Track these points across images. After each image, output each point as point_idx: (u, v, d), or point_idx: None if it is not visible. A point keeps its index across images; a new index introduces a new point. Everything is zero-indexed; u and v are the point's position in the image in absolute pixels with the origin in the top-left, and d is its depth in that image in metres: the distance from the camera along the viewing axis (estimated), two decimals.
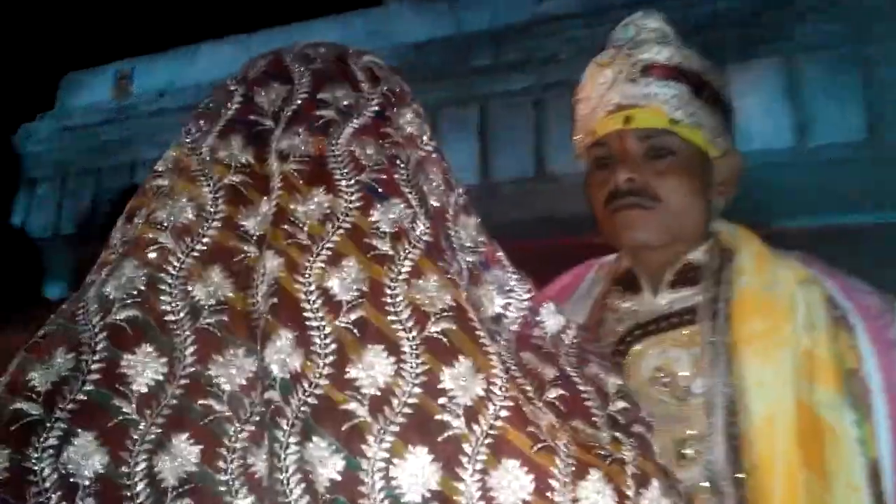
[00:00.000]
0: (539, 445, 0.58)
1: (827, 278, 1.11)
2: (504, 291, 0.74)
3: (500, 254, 0.78)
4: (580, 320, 1.23)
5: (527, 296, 0.75)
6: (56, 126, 3.75)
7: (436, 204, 0.73)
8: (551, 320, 0.76)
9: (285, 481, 0.55)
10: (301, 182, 0.67)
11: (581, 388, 0.70)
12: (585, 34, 2.54)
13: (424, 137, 0.77)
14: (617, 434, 0.67)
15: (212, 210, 0.68)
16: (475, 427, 0.57)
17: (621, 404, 0.72)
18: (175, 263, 0.65)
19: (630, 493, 0.60)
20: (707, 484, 1.03)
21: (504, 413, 0.58)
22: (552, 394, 0.67)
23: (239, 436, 0.59)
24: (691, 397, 1.07)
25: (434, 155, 0.77)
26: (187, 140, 0.74)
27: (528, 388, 0.65)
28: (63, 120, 3.85)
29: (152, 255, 0.65)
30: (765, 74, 2.11)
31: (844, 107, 2.06)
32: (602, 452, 0.62)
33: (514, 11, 2.88)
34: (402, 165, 0.71)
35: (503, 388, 0.59)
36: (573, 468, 0.58)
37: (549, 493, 0.56)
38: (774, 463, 0.99)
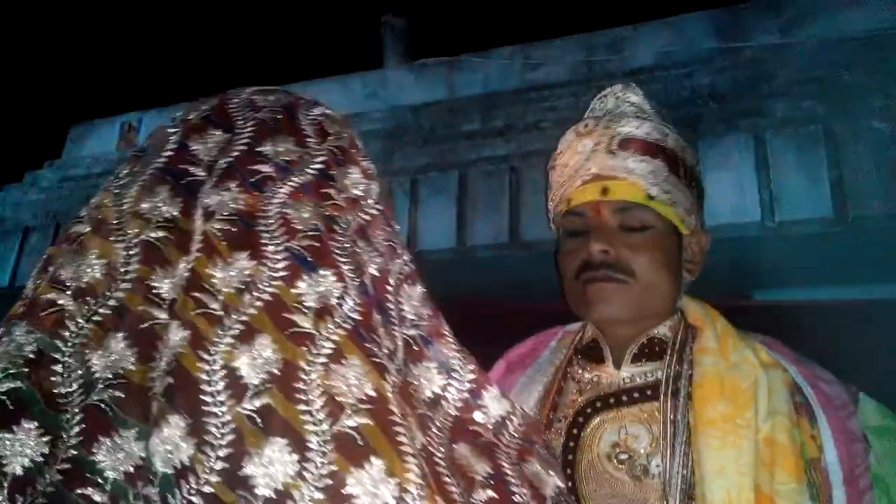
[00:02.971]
0: None
1: (791, 364, 1.05)
2: (445, 371, 0.64)
3: (445, 329, 0.68)
4: (538, 389, 1.14)
5: (469, 376, 0.66)
6: (59, 175, 3.68)
7: (375, 273, 0.64)
8: (494, 406, 0.66)
9: None
10: (224, 243, 0.57)
11: (515, 489, 0.59)
12: (568, 103, 2.49)
13: (370, 200, 0.68)
14: None
15: (122, 270, 0.58)
16: None
17: None
18: (73, 329, 0.55)
19: None
20: None
21: None
22: (481, 496, 0.57)
23: None
24: (648, 476, 0.99)
25: (380, 219, 0.68)
26: (113, 186, 0.65)
27: (454, 489, 0.55)
28: (66, 169, 3.77)
29: (48, 319, 0.56)
30: (736, 150, 2.06)
31: (812, 183, 2.00)
32: None
33: (505, 78, 2.84)
34: (339, 231, 0.62)
35: (417, 497, 0.49)
36: None
37: None
38: None
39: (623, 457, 1.01)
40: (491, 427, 0.64)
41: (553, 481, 0.63)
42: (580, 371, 1.13)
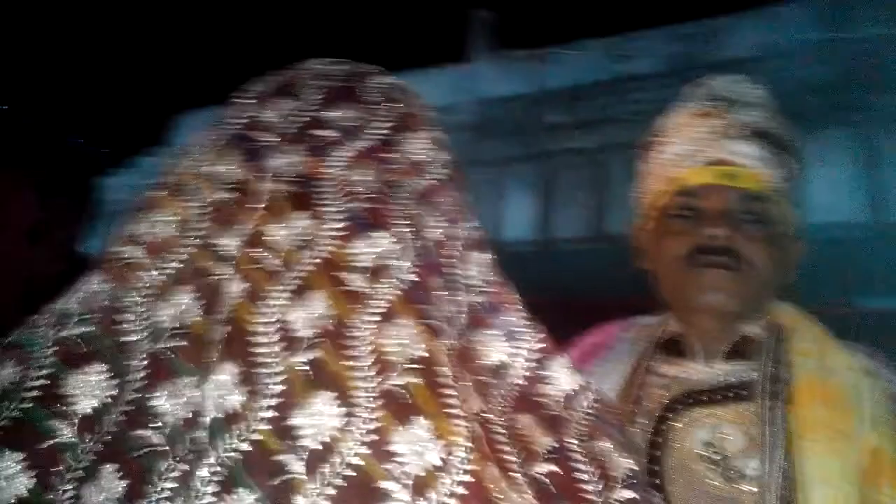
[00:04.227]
0: None
1: (890, 372, 1.00)
2: (511, 338, 0.63)
3: (513, 297, 0.67)
4: (615, 382, 1.11)
5: (538, 346, 0.64)
6: (160, 161, 3.90)
7: (439, 237, 0.64)
8: (565, 378, 0.63)
9: None
10: (286, 203, 0.59)
11: (580, 466, 0.57)
12: (658, 96, 2.42)
13: (436, 165, 0.68)
14: None
15: (193, 227, 0.61)
16: (422, 502, 0.47)
17: (627, 495, 0.59)
18: (144, 280, 0.58)
19: None
20: None
21: (460, 490, 0.47)
22: (542, 468, 0.55)
23: (170, 475, 0.50)
24: (742, 479, 0.95)
25: (447, 184, 0.68)
26: (190, 153, 0.68)
27: (512, 457, 0.54)
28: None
29: (122, 271, 0.59)
30: (840, 146, 1.94)
31: None
32: None
33: (593, 70, 2.79)
34: (400, 194, 0.62)
35: (465, 461, 0.48)
36: None
37: None
38: None
39: (716, 457, 0.97)
40: (560, 400, 0.61)
41: (626, 463, 0.60)
42: (665, 366, 1.10)
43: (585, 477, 0.57)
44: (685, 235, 1.06)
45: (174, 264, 0.59)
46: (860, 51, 2.16)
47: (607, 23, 3.13)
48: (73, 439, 0.51)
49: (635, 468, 0.61)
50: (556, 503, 0.54)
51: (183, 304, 0.57)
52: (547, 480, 0.55)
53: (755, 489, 0.94)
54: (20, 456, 0.50)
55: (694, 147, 1.09)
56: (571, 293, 2.29)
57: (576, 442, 0.59)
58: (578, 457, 0.58)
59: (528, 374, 0.62)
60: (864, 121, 1.95)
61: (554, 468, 0.56)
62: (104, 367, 0.54)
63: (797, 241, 1.12)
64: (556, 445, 0.58)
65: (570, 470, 0.57)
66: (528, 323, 0.65)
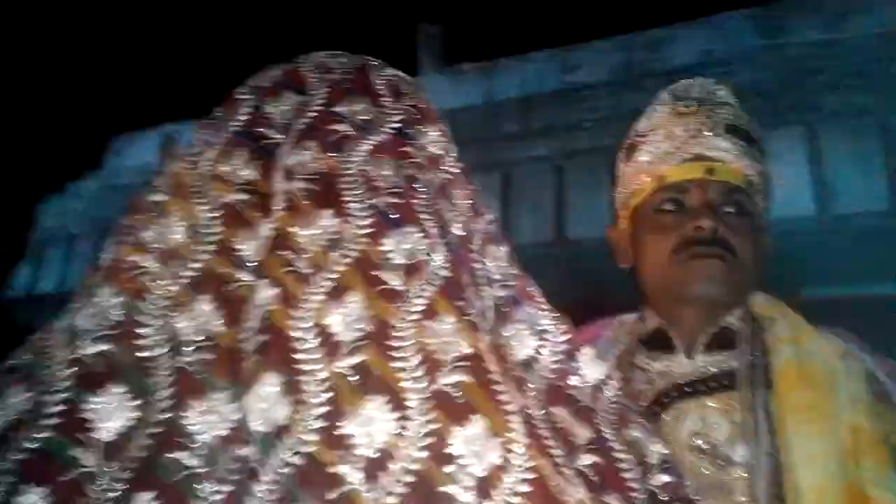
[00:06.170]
0: None
1: (865, 353, 1.03)
2: (537, 332, 0.62)
3: (533, 289, 0.65)
4: None
5: (563, 338, 0.63)
6: (101, 185, 3.74)
7: (460, 232, 0.62)
8: (590, 369, 0.63)
9: None
10: (307, 203, 0.56)
11: (619, 455, 0.56)
12: (609, 104, 2.47)
13: (450, 158, 0.67)
14: None
15: (206, 232, 0.56)
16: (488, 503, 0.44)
17: (664, 478, 0.58)
18: (159, 291, 0.54)
19: None
20: None
21: (523, 487, 0.46)
22: (585, 460, 0.54)
23: (212, 498, 0.46)
24: (731, 466, 0.97)
25: (460, 178, 0.66)
26: (189, 154, 0.64)
27: (558, 451, 0.52)
28: (109, 179, 3.83)
29: (133, 281, 0.54)
30: (788, 144, 2.01)
31: (867, 177, 1.94)
32: None
33: (543, 81, 2.83)
34: (421, 189, 0.60)
35: (524, 457, 0.47)
36: None
37: None
38: None
39: (706, 447, 0.98)
40: (588, 391, 0.60)
41: (657, 448, 0.59)
42: (648, 360, 1.10)
43: (626, 465, 0.56)
44: (672, 230, 1.08)
45: (189, 272, 0.55)
46: (797, 56, 2.25)
47: (551, 35, 3.17)
48: (96, 469, 0.47)
49: (666, 452, 0.61)
50: (603, 494, 0.52)
51: (202, 315, 0.53)
52: (591, 472, 0.53)
53: (745, 474, 0.95)
54: (43, 491, 0.45)
55: (674, 145, 1.12)
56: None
57: (609, 431, 0.58)
58: (616, 445, 0.57)
59: (556, 366, 0.61)
60: (808, 119, 2.02)
61: (596, 459, 0.55)
62: (124, 387, 0.49)
63: (765, 233, 1.15)
64: (594, 436, 0.57)
65: (612, 460, 0.56)
66: (552, 315, 0.64)
